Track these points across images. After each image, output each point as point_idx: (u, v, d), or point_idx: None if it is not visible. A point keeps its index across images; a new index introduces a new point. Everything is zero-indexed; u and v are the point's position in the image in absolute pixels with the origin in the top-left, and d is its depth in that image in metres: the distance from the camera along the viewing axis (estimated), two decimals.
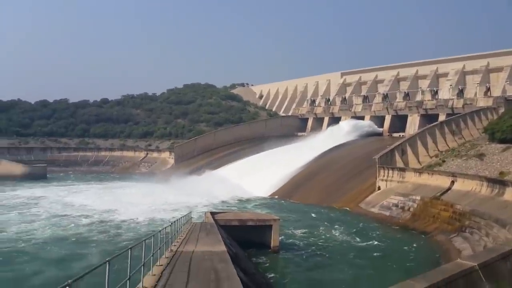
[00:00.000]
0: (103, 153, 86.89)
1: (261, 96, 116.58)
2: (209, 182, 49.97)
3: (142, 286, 8.71)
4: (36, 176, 64.24)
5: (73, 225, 28.98)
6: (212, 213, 24.98)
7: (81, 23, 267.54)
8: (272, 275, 18.50)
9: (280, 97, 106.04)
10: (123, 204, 37.49)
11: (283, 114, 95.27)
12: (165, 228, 13.21)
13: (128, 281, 7.35)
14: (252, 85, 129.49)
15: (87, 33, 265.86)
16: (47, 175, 67.26)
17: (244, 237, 22.17)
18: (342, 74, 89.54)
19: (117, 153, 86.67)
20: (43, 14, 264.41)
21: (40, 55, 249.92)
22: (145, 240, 9.40)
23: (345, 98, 77.28)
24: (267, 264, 20.14)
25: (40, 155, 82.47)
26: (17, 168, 66.24)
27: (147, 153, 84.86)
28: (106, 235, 25.75)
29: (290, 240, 25.00)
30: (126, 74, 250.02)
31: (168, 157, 79.97)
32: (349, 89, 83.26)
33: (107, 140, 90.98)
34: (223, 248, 14.50)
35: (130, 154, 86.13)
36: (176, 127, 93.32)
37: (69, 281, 4.36)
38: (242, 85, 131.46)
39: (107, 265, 5.94)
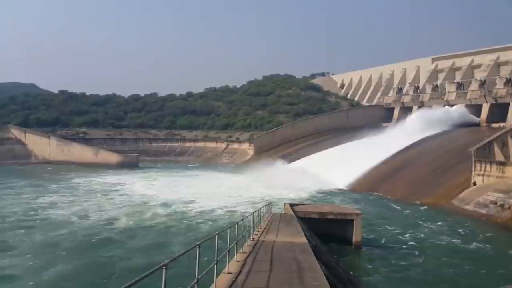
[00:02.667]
0: (187, 144, 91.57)
1: (342, 86, 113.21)
2: (288, 174, 49.65)
3: (228, 271, 8.91)
4: (129, 165, 69.78)
5: (153, 213, 29.62)
6: (291, 205, 24.70)
7: (169, 24, 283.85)
8: (355, 271, 17.66)
9: (363, 85, 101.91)
10: (203, 195, 38.03)
11: (367, 104, 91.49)
12: (247, 217, 13.27)
13: (215, 265, 7.59)
14: (333, 74, 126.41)
15: (175, 33, 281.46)
16: (139, 164, 72.61)
17: (324, 230, 21.51)
18: (433, 60, 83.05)
19: (200, 144, 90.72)
20: (134, 19, 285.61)
21: (132, 54, 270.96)
22: (230, 227, 9.50)
23: (436, 85, 71.77)
24: (349, 260, 19.29)
25: (133, 145, 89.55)
26: (113, 157, 72.56)
27: (228, 144, 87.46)
28: (185, 225, 25.88)
29: (374, 236, 23.72)
30: (209, 68, 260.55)
31: (248, 148, 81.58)
32: (441, 76, 77.12)
33: (192, 131, 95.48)
34: (304, 239, 14.19)
35: (212, 145, 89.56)
36: (256, 118, 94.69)
37: (166, 261, 4.57)
38: (322, 74, 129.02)
39: (198, 248, 6.17)
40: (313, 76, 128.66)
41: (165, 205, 33.25)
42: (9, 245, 20.13)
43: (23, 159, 74.18)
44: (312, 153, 61.37)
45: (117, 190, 42.45)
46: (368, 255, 20.20)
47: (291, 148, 72.32)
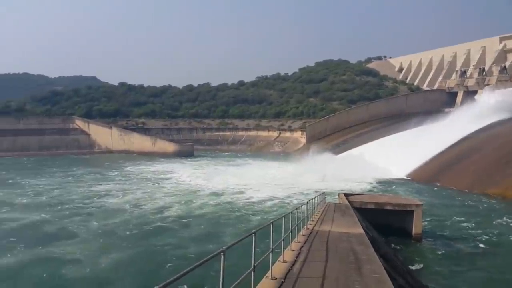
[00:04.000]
0: (240, 133, 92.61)
1: (400, 70, 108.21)
2: (343, 163, 48.19)
3: (283, 260, 8.84)
4: (185, 154, 71.98)
5: (204, 203, 29.53)
6: (346, 194, 23.97)
7: (220, 13, 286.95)
8: (414, 265, 16.72)
9: (423, 69, 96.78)
10: (254, 185, 37.59)
11: (427, 88, 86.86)
12: (301, 206, 12.92)
13: (271, 253, 7.53)
14: (390, 57, 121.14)
15: (226, 22, 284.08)
16: (193, 153, 74.60)
17: (381, 221, 20.64)
18: (501, 39, 76.66)
19: (252, 133, 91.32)
20: (187, 12, 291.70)
21: (187, 46, 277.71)
22: (284, 216, 9.28)
23: (504, 67, 66.28)
24: (408, 253, 18.34)
25: (187, 135, 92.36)
26: (170, 147, 75.17)
27: (280, 133, 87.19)
28: (235, 216, 25.52)
29: (436, 229, 22.37)
30: (260, 56, 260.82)
31: (300, 137, 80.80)
32: (510, 57, 70.96)
33: (244, 120, 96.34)
34: (360, 230, 13.67)
35: (264, 133, 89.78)
36: (308, 106, 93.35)
37: (223, 247, 4.70)
38: (379, 58, 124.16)
39: (253, 236, 6.19)
40: (369, 60, 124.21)
41: (215, 194, 33.13)
42: (68, 232, 21.16)
43: (87, 149, 79.28)
44: (368, 141, 59.37)
45: (170, 178, 43.47)
46: (429, 248, 19.08)
47: (346, 136, 70.52)
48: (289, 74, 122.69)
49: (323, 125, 77.54)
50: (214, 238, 19.96)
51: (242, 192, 34.11)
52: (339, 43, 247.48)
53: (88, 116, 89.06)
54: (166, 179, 43.17)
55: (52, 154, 73.37)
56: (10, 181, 40.86)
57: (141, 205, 28.52)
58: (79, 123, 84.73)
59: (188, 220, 24.15)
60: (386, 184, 39.40)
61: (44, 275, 14.80)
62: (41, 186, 37.57)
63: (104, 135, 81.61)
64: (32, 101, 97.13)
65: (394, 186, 37.93)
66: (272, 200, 30.66)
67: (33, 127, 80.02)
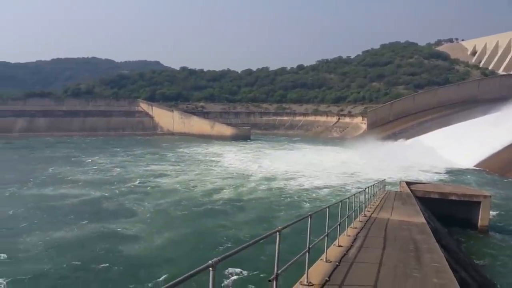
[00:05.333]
0: (297, 118, 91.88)
1: (474, 53, 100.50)
2: (407, 151, 46.09)
3: (338, 244, 8.82)
4: (242, 137, 72.99)
5: (255, 187, 29.29)
6: (408, 183, 23.06)
7: None
8: (478, 258, 15.73)
9: (499, 52, 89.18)
10: (309, 171, 36.72)
11: (503, 73, 79.91)
12: (359, 193, 12.61)
13: (326, 237, 7.51)
14: (462, 40, 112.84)
15: (286, 5, 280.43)
16: (250, 137, 75.38)
17: (444, 212, 19.71)
18: None
19: (310, 118, 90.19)
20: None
21: (244, 28, 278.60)
22: (341, 201, 9.14)
23: None
24: (472, 246, 17.28)
25: (245, 119, 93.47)
26: (227, 130, 76.57)
27: (339, 118, 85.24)
28: (286, 202, 24.90)
29: (505, 223, 20.77)
30: (321, 38, 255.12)
31: (361, 122, 78.41)
32: None
33: (302, 105, 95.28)
34: (422, 220, 13.14)
35: (322, 119, 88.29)
36: (370, 90, 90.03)
37: (279, 227, 4.85)
38: (450, 40, 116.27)
39: (309, 218, 6.24)
40: (439, 42, 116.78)
41: (267, 179, 32.68)
42: (124, 209, 22.08)
43: (150, 130, 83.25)
44: (435, 128, 56.26)
45: (223, 161, 43.80)
46: (496, 242, 17.81)
47: (410, 122, 67.27)
48: (352, 57, 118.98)
49: (386, 110, 74.51)
50: (265, 223, 19.76)
51: (294, 178, 33.33)
52: (407, 24, 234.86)
53: (152, 99, 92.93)
54: (219, 161, 43.68)
55: (118, 135, 77.81)
56: (73, 158, 43.32)
57: (194, 186, 29.04)
58: (144, 106, 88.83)
59: (239, 203, 24.18)
60: (455, 174, 37.14)
61: (101, 249, 15.51)
62: (102, 164, 39.64)
63: (166, 118, 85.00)
64: (100, 84, 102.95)
65: (463, 176, 35.66)
66: (326, 187, 29.60)
67: (101, 109, 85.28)
